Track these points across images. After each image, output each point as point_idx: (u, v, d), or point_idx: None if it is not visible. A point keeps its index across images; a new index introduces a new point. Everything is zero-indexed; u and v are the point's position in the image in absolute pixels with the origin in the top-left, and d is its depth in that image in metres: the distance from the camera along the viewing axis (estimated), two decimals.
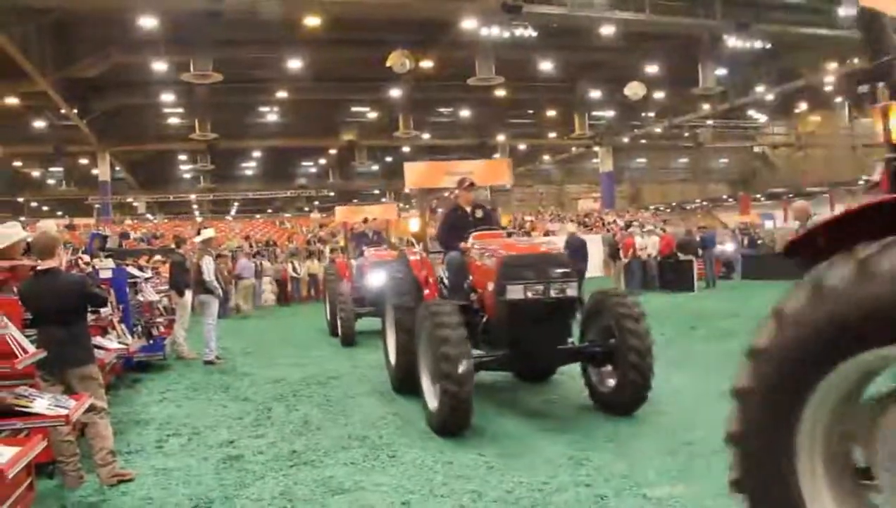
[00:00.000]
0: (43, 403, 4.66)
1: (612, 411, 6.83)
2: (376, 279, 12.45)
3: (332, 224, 36.44)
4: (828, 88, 42.77)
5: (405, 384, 7.91)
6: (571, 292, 6.68)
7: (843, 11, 26.71)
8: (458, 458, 5.73)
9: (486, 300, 7.08)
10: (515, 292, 6.54)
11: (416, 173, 9.09)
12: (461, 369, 5.99)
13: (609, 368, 7.00)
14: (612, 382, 6.94)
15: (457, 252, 7.84)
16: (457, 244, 7.84)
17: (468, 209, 8.34)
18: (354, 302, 13.21)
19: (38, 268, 5.52)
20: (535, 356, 7.09)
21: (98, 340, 7.71)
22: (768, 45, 31.72)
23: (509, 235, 8.86)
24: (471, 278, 7.53)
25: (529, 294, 6.53)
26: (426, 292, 7.93)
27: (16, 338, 4.81)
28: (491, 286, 6.82)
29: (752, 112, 47.32)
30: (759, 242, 28.98)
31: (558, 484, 5.02)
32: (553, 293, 6.57)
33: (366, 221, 15.93)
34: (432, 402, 6.54)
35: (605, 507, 4.63)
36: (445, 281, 8.05)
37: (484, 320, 7.09)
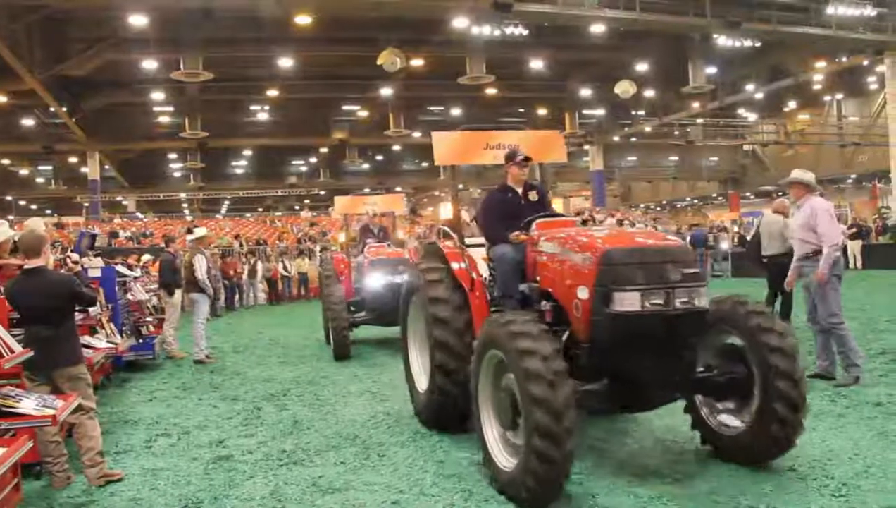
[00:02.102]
0: (29, 403, 4.64)
1: (733, 458, 5.22)
2: (376, 281, 11.47)
3: (323, 224, 36.40)
4: (817, 87, 43.01)
5: (442, 419, 6.38)
6: (702, 301, 4.85)
7: None
8: (449, 457, 5.72)
9: (572, 312, 5.10)
10: (627, 301, 4.69)
11: (447, 146, 7.50)
12: (565, 424, 4.27)
13: (731, 405, 5.33)
14: (736, 422, 5.25)
15: (508, 246, 6.05)
16: (507, 235, 6.09)
17: (519, 191, 6.52)
18: (352, 307, 11.82)
19: (25, 267, 5.48)
20: (649, 389, 5.08)
21: (87, 339, 7.68)
22: (758, 44, 31.84)
23: (584, 222, 6.49)
24: (538, 279, 5.66)
25: (647, 304, 4.70)
26: (472, 294, 6.12)
27: (2, 337, 4.78)
28: (584, 293, 4.89)
29: (741, 110, 47.50)
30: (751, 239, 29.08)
31: None
32: (678, 304, 4.74)
33: (375, 215, 14.11)
34: (505, 460, 4.89)
35: (596, 505, 4.63)
36: (490, 282, 6.33)
37: (565, 337, 5.14)
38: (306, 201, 57.77)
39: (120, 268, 11.19)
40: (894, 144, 30.61)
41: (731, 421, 5.31)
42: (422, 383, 6.72)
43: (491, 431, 5.08)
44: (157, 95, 37.71)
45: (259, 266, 24.27)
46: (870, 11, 29.03)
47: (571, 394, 4.34)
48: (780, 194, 42.65)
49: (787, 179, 7.98)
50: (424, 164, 58.53)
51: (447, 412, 6.21)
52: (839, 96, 47.22)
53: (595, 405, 5.15)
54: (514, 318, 4.83)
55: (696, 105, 41.87)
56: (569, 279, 5.14)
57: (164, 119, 43.89)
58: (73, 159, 47.91)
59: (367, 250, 12.41)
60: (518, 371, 4.46)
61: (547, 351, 4.42)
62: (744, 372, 5.07)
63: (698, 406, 5.51)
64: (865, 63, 36.57)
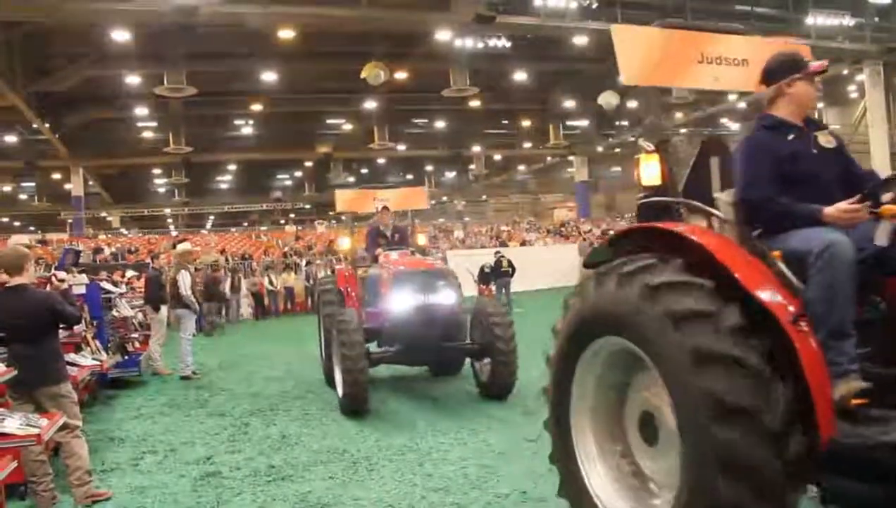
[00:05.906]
0: (13, 423, 4.58)
1: None
2: (402, 302, 8.32)
3: (308, 238, 36.32)
4: None
5: None
6: None
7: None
8: (438, 471, 5.70)
9: None
10: None
11: (639, 53, 3.90)
12: None
13: None
14: None
15: (835, 231, 3.04)
16: (822, 209, 3.15)
17: (822, 140, 3.59)
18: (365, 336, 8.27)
19: (7, 285, 5.43)
20: None
21: (72, 356, 7.61)
22: None
23: None
24: None
25: None
26: (802, 339, 2.84)
27: None
28: None
29: (723, 120, 47.85)
30: None
31: (539, 495, 5.00)
32: None
33: (385, 210, 10.45)
34: None
35: None
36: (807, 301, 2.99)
37: None
38: (291, 215, 57.65)
39: (104, 284, 11.13)
40: (875, 153, 30.94)
41: None
42: None
43: None
44: (141, 111, 37.52)
45: (242, 281, 24.15)
46: (848, 21, 29.37)
47: None
48: None
49: None
50: (409, 176, 58.56)
51: None
52: (820, 105, 47.68)
53: None
54: None
55: (679, 115, 42.15)
56: None
57: (147, 134, 43.64)
58: (56, 176, 47.56)
59: (384, 258, 9.43)
60: None
61: None
62: None
63: None
64: (845, 72, 36.95)
